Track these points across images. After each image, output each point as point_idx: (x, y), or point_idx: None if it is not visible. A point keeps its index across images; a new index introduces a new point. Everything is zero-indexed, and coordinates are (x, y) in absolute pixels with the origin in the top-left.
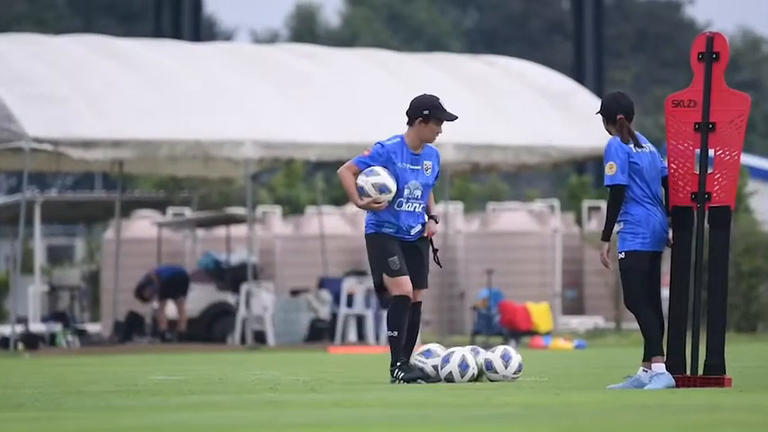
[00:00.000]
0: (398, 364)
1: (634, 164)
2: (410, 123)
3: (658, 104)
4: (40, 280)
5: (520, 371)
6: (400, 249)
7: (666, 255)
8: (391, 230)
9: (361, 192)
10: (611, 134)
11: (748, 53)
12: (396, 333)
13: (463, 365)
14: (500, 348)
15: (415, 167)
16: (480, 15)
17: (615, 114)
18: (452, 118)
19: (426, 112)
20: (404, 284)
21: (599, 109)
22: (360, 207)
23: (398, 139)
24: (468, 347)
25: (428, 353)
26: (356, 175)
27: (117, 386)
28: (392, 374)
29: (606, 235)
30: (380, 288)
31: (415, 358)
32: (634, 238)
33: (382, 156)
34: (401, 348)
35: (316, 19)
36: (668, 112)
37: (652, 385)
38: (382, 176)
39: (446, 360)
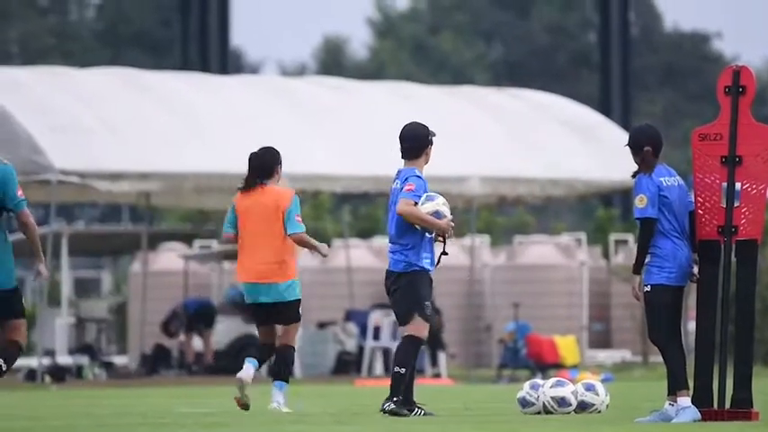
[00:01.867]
0: (395, 399)
1: (664, 197)
2: (417, 155)
3: (686, 137)
4: (66, 312)
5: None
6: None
7: (690, 288)
8: (428, 263)
9: (438, 216)
10: (638, 166)
11: None
12: (404, 371)
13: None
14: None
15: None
16: (505, 48)
17: (642, 146)
18: (435, 134)
19: (430, 137)
20: (426, 331)
21: (627, 141)
22: (445, 229)
23: (417, 171)
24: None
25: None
26: None
27: (144, 419)
28: (383, 407)
29: (637, 268)
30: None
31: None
32: (660, 272)
33: (422, 187)
34: (402, 386)
35: (343, 51)
36: (695, 146)
37: (679, 419)
38: (438, 199)
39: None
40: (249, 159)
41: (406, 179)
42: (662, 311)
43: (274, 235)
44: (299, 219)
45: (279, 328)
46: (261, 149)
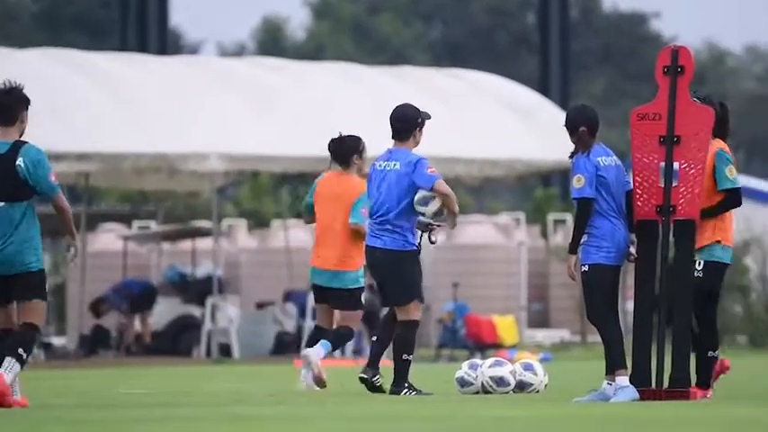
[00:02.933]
0: (407, 385)
1: (601, 177)
2: (407, 137)
3: (625, 118)
4: None
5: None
6: None
7: (627, 267)
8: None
9: (441, 211)
10: (575, 146)
11: (713, 66)
12: (410, 357)
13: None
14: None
15: None
16: (445, 28)
17: (578, 126)
18: (430, 116)
19: (420, 119)
20: (420, 311)
21: (564, 121)
22: (456, 214)
23: (413, 153)
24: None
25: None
26: None
27: (82, 400)
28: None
29: (573, 248)
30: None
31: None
32: (598, 252)
33: None
34: (408, 371)
35: (282, 32)
36: (633, 126)
37: (617, 398)
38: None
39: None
40: (328, 146)
41: (415, 164)
42: (599, 291)
43: (340, 223)
44: (365, 211)
45: (337, 314)
46: (340, 137)
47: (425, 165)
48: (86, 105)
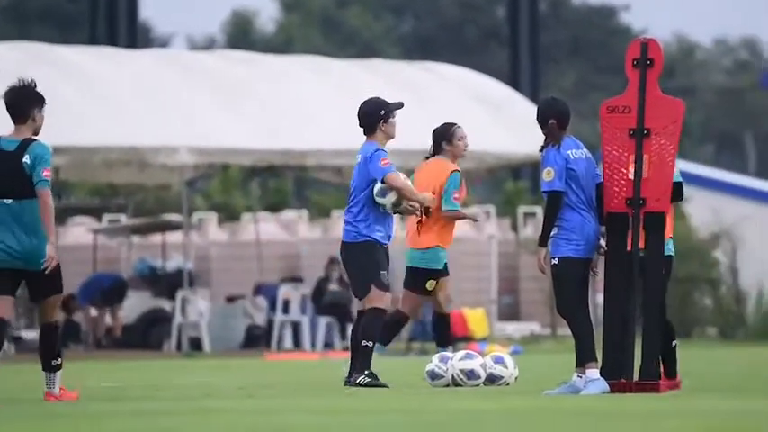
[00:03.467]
0: (367, 372)
1: (571, 170)
2: (372, 131)
3: (595, 110)
4: None
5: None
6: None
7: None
8: (381, 235)
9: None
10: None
11: (683, 59)
12: (371, 344)
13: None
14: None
15: None
16: (416, 21)
17: (548, 120)
18: (401, 105)
19: (382, 112)
20: (387, 300)
21: (536, 115)
22: (428, 202)
23: (377, 146)
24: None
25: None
26: None
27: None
28: (352, 381)
29: (543, 241)
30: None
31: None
32: (568, 245)
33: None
34: (371, 359)
35: (252, 25)
36: (603, 118)
37: (587, 390)
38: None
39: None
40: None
41: (371, 156)
42: (570, 284)
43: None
44: (457, 195)
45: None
46: (442, 124)
47: (380, 157)
48: (56, 99)
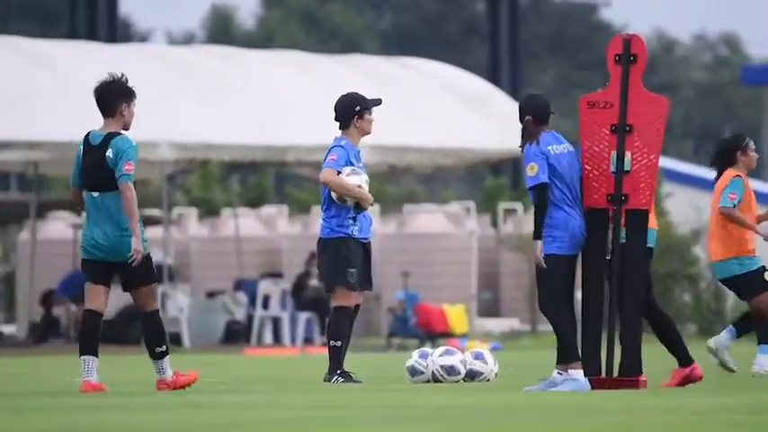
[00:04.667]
0: (339, 372)
1: (552, 166)
2: (346, 126)
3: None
4: None
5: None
6: (359, 255)
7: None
8: (357, 230)
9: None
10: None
11: (663, 55)
12: (339, 343)
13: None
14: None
15: (361, 165)
16: (396, 17)
17: (524, 116)
18: (379, 102)
19: (358, 107)
20: (354, 299)
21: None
22: (366, 199)
23: (344, 142)
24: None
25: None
26: None
27: (32, 388)
28: (328, 380)
29: (537, 234)
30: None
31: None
32: (552, 242)
33: (344, 157)
34: (342, 357)
35: (232, 20)
36: (582, 113)
37: (561, 388)
38: (363, 176)
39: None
40: None
41: (329, 150)
42: (554, 281)
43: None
44: (734, 196)
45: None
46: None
47: (331, 152)
48: (36, 93)
